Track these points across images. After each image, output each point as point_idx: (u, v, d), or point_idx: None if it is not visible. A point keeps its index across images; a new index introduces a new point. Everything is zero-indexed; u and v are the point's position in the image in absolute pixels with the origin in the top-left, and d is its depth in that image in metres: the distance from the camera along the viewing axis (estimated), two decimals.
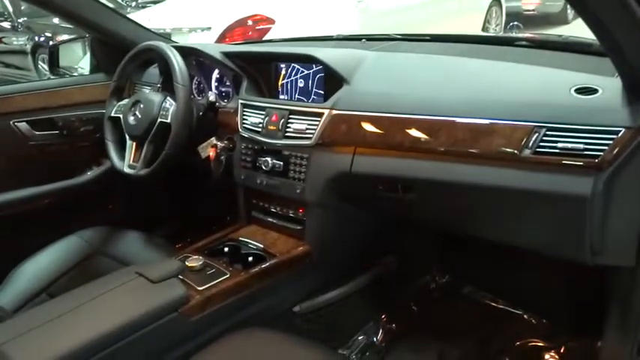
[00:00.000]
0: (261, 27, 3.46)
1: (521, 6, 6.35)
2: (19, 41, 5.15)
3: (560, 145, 0.90)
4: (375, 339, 1.49)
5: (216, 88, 1.55)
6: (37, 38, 4.32)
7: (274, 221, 1.37)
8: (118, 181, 1.69)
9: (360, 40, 1.57)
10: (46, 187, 1.64)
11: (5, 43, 5.39)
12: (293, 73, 1.36)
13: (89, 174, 1.72)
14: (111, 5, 7.43)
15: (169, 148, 1.32)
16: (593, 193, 0.88)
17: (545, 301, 1.48)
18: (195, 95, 1.57)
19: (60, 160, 1.68)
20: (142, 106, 1.40)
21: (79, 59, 2.20)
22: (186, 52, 1.46)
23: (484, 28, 5.65)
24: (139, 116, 1.40)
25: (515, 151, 0.94)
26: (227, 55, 1.42)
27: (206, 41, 3.46)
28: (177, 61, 1.34)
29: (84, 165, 1.73)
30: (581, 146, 0.88)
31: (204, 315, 1.08)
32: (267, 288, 1.21)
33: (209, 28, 3.50)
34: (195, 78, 1.58)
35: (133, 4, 7.20)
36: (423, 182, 1.08)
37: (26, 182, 1.60)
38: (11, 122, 1.56)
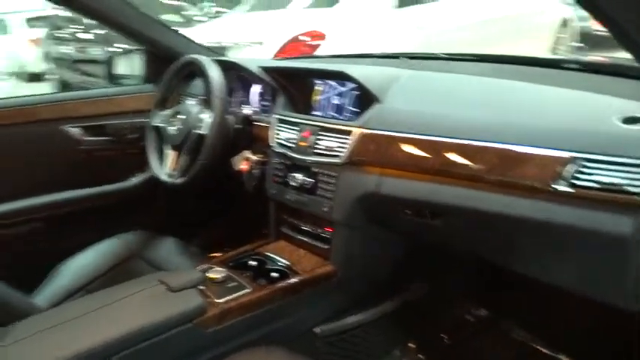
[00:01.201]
0: (312, 43, 3.51)
1: (590, 26, 6.06)
2: (97, 52, 5.51)
3: (598, 178, 0.83)
4: None
5: (259, 102, 1.57)
6: (106, 49, 4.61)
7: (302, 238, 1.36)
8: (160, 188, 1.74)
9: (398, 58, 1.54)
10: (92, 189, 1.71)
11: (86, 53, 5.78)
12: (328, 90, 1.36)
13: (133, 180, 1.78)
14: (180, 19, 7.80)
15: (203, 159, 1.35)
16: (633, 234, 0.80)
17: (589, 348, 1.37)
18: (235, 108, 1.60)
19: (107, 165, 1.75)
20: (181, 116, 1.44)
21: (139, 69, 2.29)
22: (227, 66, 1.49)
23: (551, 50, 5.44)
24: (179, 126, 1.44)
25: (549, 183, 0.88)
26: (266, 69, 1.43)
27: (259, 56, 3.55)
28: (214, 74, 1.37)
29: (129, 171, 1.79)
30: (623, 181, 0.81)
31: (221, 328, 1.08)
32: (288, 306, 1.19)
33: (260, 43, 3.59)
34: (237, 91, 1.60)
35: (205, 19, 7.54)
36: (452, 209, 1.04)
37: (75, 184, 1.68)
38: (64, 127, 1.65)
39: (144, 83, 1.94)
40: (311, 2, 4.34)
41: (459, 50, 1.59)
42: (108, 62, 1.94)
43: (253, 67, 1.44)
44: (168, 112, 1.53)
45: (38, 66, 7.81)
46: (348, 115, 1.30)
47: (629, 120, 0.87)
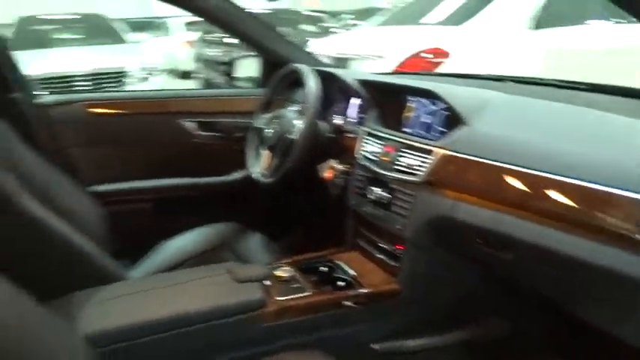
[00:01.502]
0: (434, 60, 3.45)
1: None
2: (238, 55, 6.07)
3: None
4: None
5: (357, 114, 1.60)
6: (242, 53, 5.08)
7: (374, 252, 1.35)
8: (256, 186, 1.85)
9: (503, 80, 1.46)
10: (198, 180, 1.88)
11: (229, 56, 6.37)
12: (420, 108, 1.34)
13: (235, 175, 1.91)
14: (316, 30, 8.13)
15: (290, 162, 1.41)
16: None
17: None
18: (332, 118, 1.64)
19: (214, 158, 1.91)
20: (278, 120, 1.53)
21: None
22: (326, 76, 1.54)
23: None
24: (274, 129, 1.52)
25: (636, 232, 0.78)
26: (362, 82, 1.46)
27: (378, 70, 3.59)
28: (311, 83, 1.43)
29: (232, 166, 1.93)
30: None
31: (276, 325, 1.12)
32: (347, 316, 1.20)
33: (381, 57, 3.62)
34: (338, 102, 1.65)
35: (341, 30, 7.82)
36: (523, 244, 0.96)
37: (183, 173, 1.87)
38: (181, 120, 1.84)
39: (258, 87, 2.08)
40: (444, 19, 4.27)
41: (598, 78, 1.44)
42: (229, 65, 2.12)
43: (350, 80, 1.48)
44: (268, 115, 1.63)
45: (189, 65, 8.72)
46: (436, 134, 1.27)
47: None
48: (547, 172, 0.94)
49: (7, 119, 1.41)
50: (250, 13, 1.72)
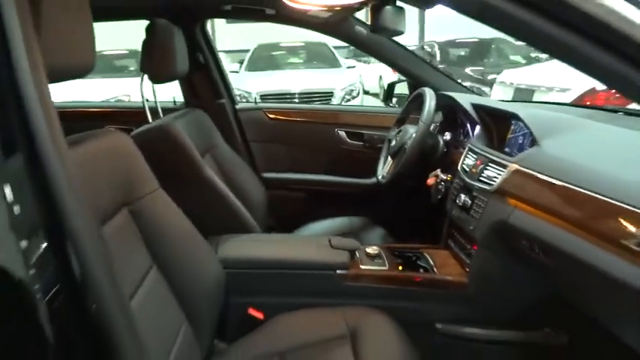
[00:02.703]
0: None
1: None
2: None
3: None
4: None
5: (470, 133, 1.79)
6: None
7: (458, 252, 1.55)
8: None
9: (616, 112, 1.50)
10: (342, 179, 2.30)
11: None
12: (517, 130, 1.49)
13: (372, 179, 2.26)
14: (521, 60, 7.87)
15: (399, 168, 1.70)
16: None
17: None
18: (449, 135, 1.86)
19: (358, 163, 2.29)
20: (402, 133, 1.83)
21: None
22: (449, 100, 1.78)
23: None
24: (396, 140, 1.83)
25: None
26: (475, 106, 1.66)
27: (563, 100, 3.51)
28: (427, 104, 1.69)
29: (371, 171, 2.28)
30: None
31: (354, 285, 1.44)
32: (417, 294, 1.44)
33: (569, 89, 3.55)
34: (458, 122, 1.86)
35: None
36: (560, 252, 1.08)
37: (332, 172, 2.29)
38: (335, 130, 2.27)
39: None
40: None
41: None
42: (389, 88, 2.46)
43: (465, 104, 1.69)
44: (397, 129, 1.94)
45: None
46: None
47: None
48: (586, 190, 1.05)
49: (214, 117, 2.02)
50: (398, 43, 2.05)
